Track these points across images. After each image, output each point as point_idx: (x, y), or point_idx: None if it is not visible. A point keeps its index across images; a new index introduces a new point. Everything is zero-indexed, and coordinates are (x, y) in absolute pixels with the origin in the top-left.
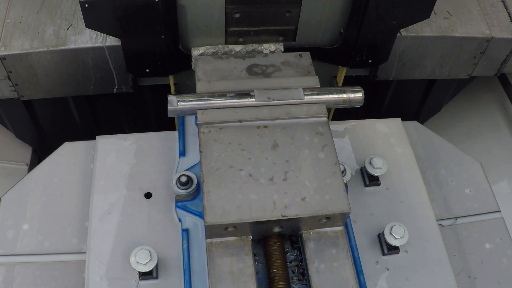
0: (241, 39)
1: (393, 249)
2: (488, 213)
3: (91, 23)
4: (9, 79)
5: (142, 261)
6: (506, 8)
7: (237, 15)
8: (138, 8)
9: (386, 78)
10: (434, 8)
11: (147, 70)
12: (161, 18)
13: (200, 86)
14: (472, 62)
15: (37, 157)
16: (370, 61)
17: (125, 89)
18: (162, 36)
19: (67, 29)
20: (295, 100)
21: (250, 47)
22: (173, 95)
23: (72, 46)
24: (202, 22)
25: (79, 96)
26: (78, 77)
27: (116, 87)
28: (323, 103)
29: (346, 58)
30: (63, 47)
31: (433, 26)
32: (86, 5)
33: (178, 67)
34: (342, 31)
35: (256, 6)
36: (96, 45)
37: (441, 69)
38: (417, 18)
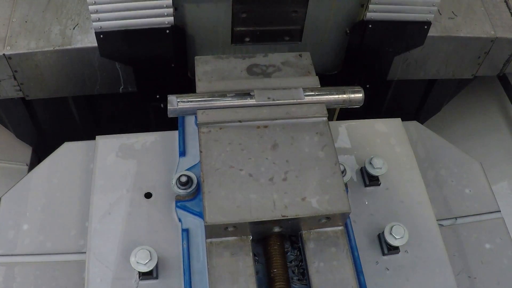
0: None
1: (393, 249)
2: (488, 213)
3: (105, 52)
4: (15, 79)
5: (142, 261)
6: (509, 9)
7: (247, 39)
8: (149, 38)
9: (391, 78)
10: (439, 8)
11: (157, 96)
12: (171, 47)
13: (200, 86)
14: (476, 62)
15: (37, 157)
16: (367, 86)
17: (131, 89)
18: (172, 65)
19: (73, 28)
20: (295, 100)
21: None
22: (173, 95)
23: (78, 45)
24: (208, 49)
25: (79, 96)
26: (84, 77)
27: (122, 87)
28: (323, 103)
29: (345, 85)
30: (69, 47)
31: (438, 26)
32: (101, 36)
33: (185, 91)
34: (348, 31)
35: (264, 16)
36: None
37: (446, 69)
38: (411, 46)
